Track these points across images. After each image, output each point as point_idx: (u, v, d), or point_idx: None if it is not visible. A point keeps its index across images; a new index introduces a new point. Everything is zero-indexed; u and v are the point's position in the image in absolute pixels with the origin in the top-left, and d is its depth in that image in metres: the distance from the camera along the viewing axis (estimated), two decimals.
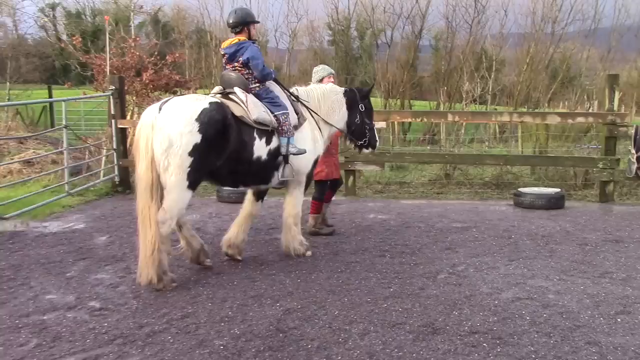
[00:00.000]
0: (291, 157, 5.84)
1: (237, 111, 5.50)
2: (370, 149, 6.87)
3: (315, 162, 6.30)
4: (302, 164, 6.02)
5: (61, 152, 9.97)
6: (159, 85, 13.33)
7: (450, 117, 11.06)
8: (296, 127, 5.94)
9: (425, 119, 12.66)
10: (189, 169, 5.07)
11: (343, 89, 6.70)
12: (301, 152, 5.85)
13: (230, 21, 5.90)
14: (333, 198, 7.59)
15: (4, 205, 7.81)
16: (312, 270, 5.71)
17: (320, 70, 7.17)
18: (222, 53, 6.00)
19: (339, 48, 30.97)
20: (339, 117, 6.51)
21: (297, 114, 6.02)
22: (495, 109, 21.20)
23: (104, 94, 10.96)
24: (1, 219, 7.48)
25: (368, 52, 30.76)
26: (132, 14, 16.73)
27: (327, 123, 6.38)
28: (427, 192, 10.39)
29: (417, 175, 11.84)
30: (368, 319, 4.50)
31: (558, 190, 9.10)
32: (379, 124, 8.99)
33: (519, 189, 9.13)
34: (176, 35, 27.81)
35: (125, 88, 11.46)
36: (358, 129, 6.65)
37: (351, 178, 9.79)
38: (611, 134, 9.20)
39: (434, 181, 11.18)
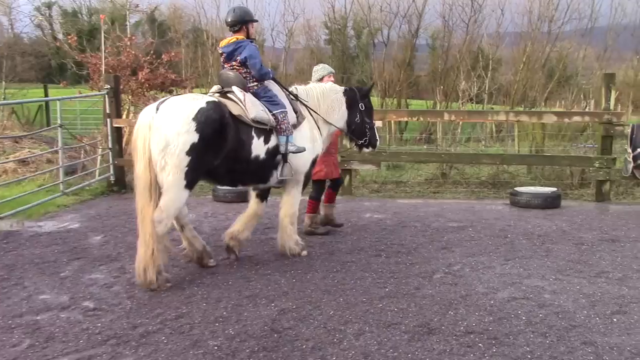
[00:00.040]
0: (290, 156, 5.82)
1: (235, 110, 5.48)
2: (370, 148, 6.85)
3: (314, 162, 6.28)
4: (301, 163, 6.00)
5: (56, 152, 9.93)
6: (155, 84, 13.31)
7: (446, 116, 11.04)
8: (295, 126, 5.91)
9: (421, 118, 12.66)
10: (186, 168, 5.06)
11: (343, 88, 6.68)
12: (300, 150, 5.83)
13: (229, 20, 5.88)
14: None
15: None
16: (308, 270, 5.69)
17: (320, 69, 7.14)
18: (220, 52, 5.98)
19: (336, 47, 30.95)
20: (339, 116, 6.49)
21: (295, 112, 6.00)
22: (492, 108, 21.22)
23: (99, 93, 10.93)
24: None
25: (365, 51, 30.74)
26: (127, 12, 16.68)
27: (327, 122, 6.36)
28: (424, 192, 10.38)
29: (413, 175, 11.83)
30: (363, 319, 4.48)
31: (554, 189, 9.09)
32: (376, 123, 8.96)
33: (515, 188, 9.12)
34: (172, 34, 27.75)
35: (121, 87, 11.45)
36: (358, 128, 6.63)
37: (347, 177, 9.77)
38: (607, 133, 9.20)
39: (430, 180, 11.16)
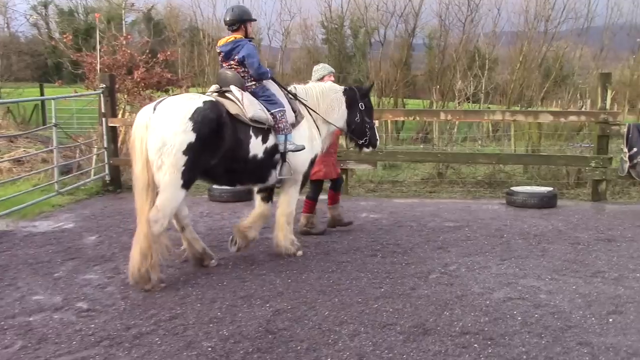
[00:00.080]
0: (289, 155, 5.80)
1: (233, 109, 5.47)
2: (370, 148, 6.83)
3: (313, 162, 6.25)
4: (300, 162, 5.98)
5: (51, 151, 9.88)
6: (151, 84, 13.24)
7: (442, 116, 11.02)
8: (294, 125, 5.89)
9: (417, 118, 12.63)
10: (183, 167, 5.05)
11: (343, 87, 6.65)
12: (299, 149, 5.81)
13: (227, 19, 5.86)
14: (324, 196, 7.51)
15: None
16: (303, 270, 5.66)
17: (320, 68, 7.11)
18: (218, 51, 5.96)
19: (333, 46, 30.94)
20: (339, 115, 6.46)
21: (294, 111, 5.98)
22: (488, 108, 21.21)
23: (95, 92, 10.88)
24: None
25: (361, 50, 30.74)
26: (123, 11, 16.63)
27: (326, 121, 6.33)
28: (420, 191, 10.36)
29: (409, 174, 11.81)
30: (358, 320, 4.45)
31: (550, 189, 9.08)
32: None
33: (512, 188, 9.10)
34: (169, 33, 27.70)
35: (117, 86, 11.39)
36: (358, 127, 6.61)
37: (343, 177, 9.74)
38: (603, 133, 9.18)
39: (426, 180, 11.14)
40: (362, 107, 6.59)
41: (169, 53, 14.18)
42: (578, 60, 27.36)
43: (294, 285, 5.25)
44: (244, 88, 5.74)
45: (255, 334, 4.21)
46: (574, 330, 4.27)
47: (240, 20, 5.84)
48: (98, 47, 12.87)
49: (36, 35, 36.41)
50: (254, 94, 5.76)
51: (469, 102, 22.08)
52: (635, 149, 8.74)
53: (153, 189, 5.10)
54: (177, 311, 4.63)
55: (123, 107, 12.83)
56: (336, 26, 30.91)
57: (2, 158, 11.51)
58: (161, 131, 5.00)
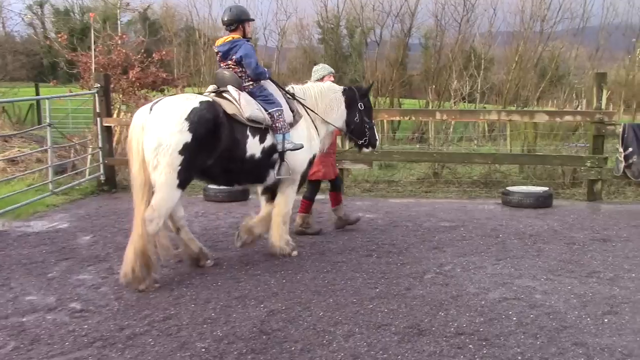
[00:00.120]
0: (287, 155, 5.79)
1: (230, 109, 5.46)
2: (370, 148, 6.81)
3: (311, 162, 6.23)
4: (298, 162, 5.96)
5: (45, 151, 9.84)
6: (146, 83, 13.22)
7: (438, 116, 10.99)
8: (292, 125, 5.88)
9: (413, 117, 12.64)
10: (179, 167, 5.04)
11: (342, 87, 6.63)
12: (297, 148, 5.79)
13: (225, 19, 5.84)
14: (319, 197, 7.49)
15: None
16: (298, 271, 5.64)
17: (320, 69, 7.09)
18: (216, 51, 5.95)
19: (329, 46, 30.93)
20: (338, 115, 6.45)
21: (292, 111, 5.96)
22: (484, 108, 21.22)
23: (90, 91, 10.84)
24: None
25: (358, 50, 30.72)
26: (119, 11, 16.59)
27: (324, 121, 6.32)
28: (416, 191, 10.35)
29: (405, 174, 11.79)
30: (353, 320, 4.44)
31: (546, 188, 9.08)
32: None
33: (507, 188, 9.10)
34: (164, 32, 27.64)
35: (112, 86, 11.37)
36: (357, 127, 6.59)
37: (341, 177, 9.73)
38: (599, 133, 9.18)
39: (422, 180, 11.13)
40: (361, 107, 6.57)
41: (164, 53, 14.16)
42: (574, 60, 27.38)
43: (288, 285, 5.23)
44: (241, 88, 5.73)
45: (249, 334, 4.19)
46: (569, 331, 4.26)
47: (238, 20, 5.82)
48: (93, 46, 12.81)
49: (32, 34, 36.31)
50: (251, 93, 5.74)
51: (464, 102, 22.09)
52: (630, 149, 8.75)
53: (149, 189, 5.10)
54: (171, 312, 4.61)
55: (118, 106, 12.81)
56: (332, 26, 30.90)
57: None
58: (157, 131, 5.00)
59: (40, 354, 3.91)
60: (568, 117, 10.51)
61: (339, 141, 7.82)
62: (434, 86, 23.47)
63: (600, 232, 7.13)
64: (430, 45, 28.94)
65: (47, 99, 9.66)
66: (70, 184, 9.67)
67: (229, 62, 5.79)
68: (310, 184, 7.03)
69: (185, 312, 4.60)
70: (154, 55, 13.67)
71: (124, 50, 13.40)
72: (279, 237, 6.09)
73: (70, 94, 13.07)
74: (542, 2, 25.35)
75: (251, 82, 5.81)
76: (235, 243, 6.26)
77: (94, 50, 13.08)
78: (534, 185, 9.81)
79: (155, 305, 4.76)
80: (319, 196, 7.34)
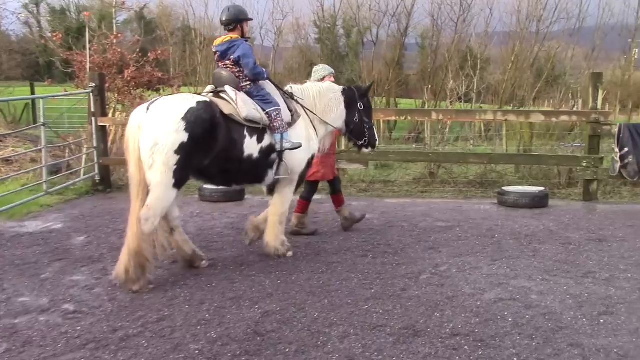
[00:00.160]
0: (285, 155, 5.76)
1: (227, 109, 5.44)
2: (370, 149, 6.78)
3: (310, 162, 6.20)
4: (297, 162, 5.94)
5: (40, 151, 9.79)
6: (142, 83, 13.18)
7: (434, 116, 10.98)
8: (290, 124, 5.85)
9: (409, 117, 12.59)
10: (174, 166, 5.03)
11: (341, 87, 6.60)
12: (296, 147, 5.76)
13: (223, 19, 5.83)
14: (315, 197, 7.46)
15: None
16: (293, 271, 5.61)
17: (320, 69, 7.06)
18: (214, 50, 5.93)
19: (325, 46, 30.96)
20: (337, 115, 6.42)
21: (290, 111, 5.94)
22: (481, 107, 21.23)
23: (84, 91, 10.80)
24: None
25: (354, 50, 30.76)
26: (114, 10, 16.54)
27: (323, 121, 6.29)
28: (412, 191, 10.33)
29: (401, 174, 11.77)
30: (348, 322, 4.41)
31: (542, 188, 9.07)
32: None
33: (503, 188, 9.09)
34: (160, 32, 27.59)
35: (107, 85, 11.32)
36: (357, 128, 6.56)
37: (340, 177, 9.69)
38: (595, 133, 9.18)
39: (418, 180, 11.11)
40: (360, 107, 6.54)
41: (159, 52, 14.11)
42: (570, 60, 27.45)
43: (283, 286, 5.20)
44: (238, 88, 5.70)
45: (243, 336, 4.16)
46: (565, 332, 4.24)
47: (236, 20, 5.81)
48: (88, 46, 12.76)
49: (27, 34, 36.23)
50: (249, 93, 5.72)
51: (461, 102, 22.11)
52: (626, 149, 8.74)
53: (144, 188, 5.09)
54: (164, 313, 4.58)
55: (114, 106, 12.76)
56: (329, 26, 30.92)
57: None
58: (154, 130, 4.99)
59: (32, 356, 3.88)
60: (564, 117, 10.51)
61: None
62: (430, 86, 23.48)
63: (596, 232, 7.12)
64: (426, 45, 29.00)
65: (42, 98, 9.61)
66: (64, 184, 9.62)
67: (227, 62, 5.77)
68: (308, 184, 7.01)
69: (179, 314, 4.57)
70: (149, 54, 13.62)
71: (119, 50, 13.35)
72: (275, 237, 6.07)
73: (65, 93, 13.02)
74: (538, 2, 25.41)
75: (249, 82, 5.78)
76: (244, 241, 6.31)
77: (89, 49, 13.02)
78: (529, 185, 9.80)
79: (149, 306, 4.72)
80: (315, 196, 7.30)
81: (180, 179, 5.13)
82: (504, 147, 13.54)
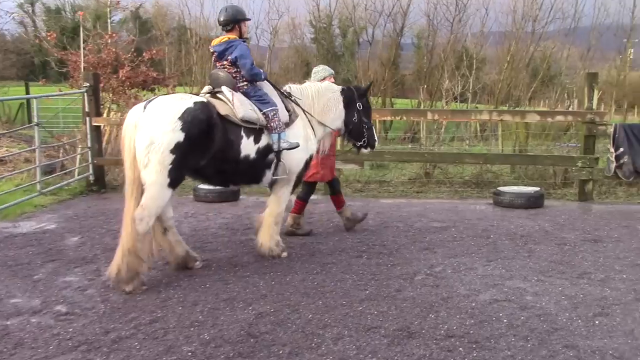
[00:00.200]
0: (283, 155, 5.73)
1: (223, 110, 5.42)
2: (369, 149, 6.75)
3: (308, 162, 6.17)
4: (294, 163, 5.91)
5: (34, 151, 9.74)
6: (136, 83, 13.10)
7: (429, 116, 10.94)
8: (287, 124, 5.82)
9: (405, 117, 12.59)
10: (170, 166, 5.00)
11: (340, 87, 6.58)
12: (294, 146, 5.74)
13: (221, 19, 5.81)
14: (312, 196, 7.42)
15: None
16: (287, 272, 5.58)
17: (321, 70, 7.03)
18: (212, 51, 5.91)
19: (321, 46, 30.94)
20: (335, 115, 6.39)
21: (287, 110, 5.91)
22: (476, 107, 21.23)
23: (79, 91, 10.74)
24: None
25: (350, 49, 30.75)
26: (109, 10, 16.46)
27: (321, 122, 6.26)
28: (407, 191, 10.31)
29: (397, 174, 11.76)
30: (342, 323, 4.39)
31: (537, 189, 9.06)
32: None
33: (499, 188, 9.08)
34: (156, 31, 27.52)
35: (102, 85, 11.26)
36: (356, 128, 6.54)
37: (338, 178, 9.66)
38: (590, 133, 9.17)
39: (414, 180, 11.10)
40: (359, 107, 6.52)
41: (154, 52, 14.05)
42: (565, 60, 27.48)
43: (277, 287, 5.17)
44: (235, 88, 5.68)
45: (236, 337, 4.13)
46: (560, 333, 4.23)
47: (234, 20, 5.79)
48: (82, 45, 12.70)
49: (22, 33, 36.09)
50: (245, 94, 5.70)
51: (456, 102, 22.11)
52: (621, 149, 8.74)
53: (138, 187, 5.07)
54: (157, 314, 4.55)
55: (108, 106, 12.70)
56: (324, 25, 30.91)
57: None
58: (150, 129, 4.97)
59: (23, 358, 3.84)
60: (559, 117, 10.50)
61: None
62: (426, 86, 23.48)
63: (591, 233, 7.11)
64: (422, 45, 29.00)
65: (35, 98, 9.57)
66: (58, 184, 9.57)
67: (225, 62, 5.76)
68: (306, 185, 6.98)
69: (172, 315, 4.54)
70: (144, 54, 13.56)
71: (114, 49, 13.28)
72: (269, 237, 6.04)
73: (59, 93, 12.95)
74: (533, 2, 25.43)
75: (246, 83, 5.76)
76: (256, 238, 6.28)
77: (84, 49, 12.96)
78: (525, 185, 9.79)
79: (142, 307, 4.69)
80: (313, 196, 7.27)
81: (175, 178, 5.11)
82: (500, 147, 13.52)
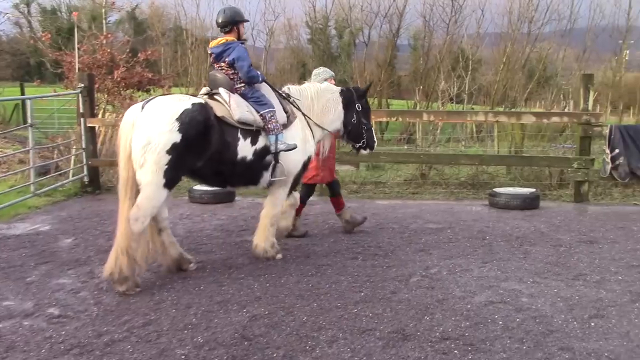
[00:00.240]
0: (281, 156, 5.71)
1: (220, 111, 5.40)
2: (368, 150, 6.73)
3: (306, 164, 6.14)
4: (292, 164, 5.89)
5: (28, 152, 9.69)
6: (131, 83, 13.08)
7: (425, 117, 10.93)
8: (285, 126, 5.80)
9: (400, 118, 12.57)
10: (166, 166, 4.99)
11: (339, 88, 6.56)
12: (291, 148, 5.71)
13: (219, 21, 5.79)
14: (312, 198, 7.39)
15: None
16: (282, 274, 5.56)
17: (321, 72, 7.00)
18: (210, 52, 5.89)
19: (317, 47, 30.92)
20: (335, 116, 6.37)
21: (286, 112, 5.88)
22: (472, 109, 21.25)
23: (73, 91, 10.69)
24: None
25: (346, 50, 30.74)
26: (104, 10, 16.44)
27: (318, 124, 6.23)
28: (403, 192, 10.29)
29: (392, 175, 11.73)
30: (337, 325, 4.36)
31: (533, 190, 9.05)
32: None
33: (494, 189, 9.06)
34: (151, 32, 27.46)
35: (97, 86, 11.22)
36: (355, 129, 6.51)
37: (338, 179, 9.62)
38: (586, 134, 9.17)
39: (409, 181, 11.07)
40: (358, 108, 6.50)
41: (149, 52, 14.01)
42: (561, 61, 27.53)
43: (272, 289, 5.14)
44: (232, 90, 5.66)
45: (230, 340, 4.10)
46: (555, 335, 4.21)
47: (232, 22, 5.78)
48: (77, 46, 12.65)
49: (17, 34, 35.99)
50: (243, 95, 5.69)
51: (452, 103, 22.12)
52: (617, 150, 8.74)
53: (132, 187, 5.05)
54: (151, 317, 4.51)
55: (103, 107, 12.66)
56: (321, 26, 30.89)
57: None
58: (147, 129, 4.96)
59: None
60: (555, 119, 10.51)
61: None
62: (422, 87, 23.48)
63: (587, 234, 7.10)
64: (418, 46, 29.03)
65: (29, 98, 9.51)
66: (53, 186, 9.51)
67: (222, 64, 5.74)
68: (305, 187, 6.96)
69: (166, 318, 4.50)
70: (139, 54, 13.53)
71: (109, 50, 13.24)
72: (265, 238, 6.01)
73: (53, 93, 12.89)
74: (529, 3, 25.48)
75: (243, 84, 5.74)
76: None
77: (79, 49, 12.91)
78: (521, 186, 9.78)
79: (135, 310, 4.66)
80: (312, 198, 7.25)
81: (171, 179, 5.09)
82: (495, 149, 13.51)
